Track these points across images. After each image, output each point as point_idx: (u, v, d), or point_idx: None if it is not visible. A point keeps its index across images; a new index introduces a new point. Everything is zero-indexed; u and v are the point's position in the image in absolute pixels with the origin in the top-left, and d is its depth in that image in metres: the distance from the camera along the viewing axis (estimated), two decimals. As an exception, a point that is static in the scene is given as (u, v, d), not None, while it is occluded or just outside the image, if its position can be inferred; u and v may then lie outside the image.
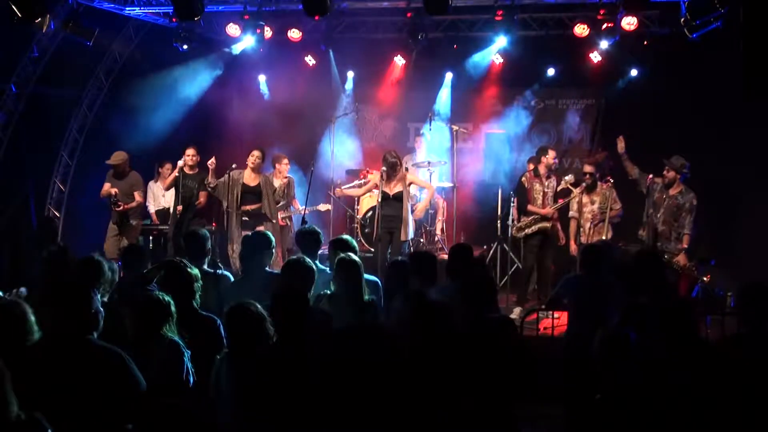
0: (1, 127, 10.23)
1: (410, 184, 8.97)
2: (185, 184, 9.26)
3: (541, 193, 9.12)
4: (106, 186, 9.60)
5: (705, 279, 8.33)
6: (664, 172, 8.37)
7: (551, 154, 9.20)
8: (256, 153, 9.21)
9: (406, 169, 9.55)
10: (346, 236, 6.10)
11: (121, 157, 9.68)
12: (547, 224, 9.12)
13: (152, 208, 10.53)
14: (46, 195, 11.18)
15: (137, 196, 9.69)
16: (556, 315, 7.45)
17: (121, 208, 9.46)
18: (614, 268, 5.95)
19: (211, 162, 8.95)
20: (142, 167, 10.92)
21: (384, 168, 8.76)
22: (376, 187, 8.91)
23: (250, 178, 9.20)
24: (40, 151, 10.56)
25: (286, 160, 9.79)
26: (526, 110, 11.70)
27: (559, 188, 9.25)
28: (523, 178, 9.28)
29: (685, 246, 8.29)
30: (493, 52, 10.62)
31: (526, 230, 9.13)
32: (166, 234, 9.64)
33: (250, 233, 7.86)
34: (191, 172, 9.37)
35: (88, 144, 11.54)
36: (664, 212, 8.35)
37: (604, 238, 8.65)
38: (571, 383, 5.21)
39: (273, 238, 6.02)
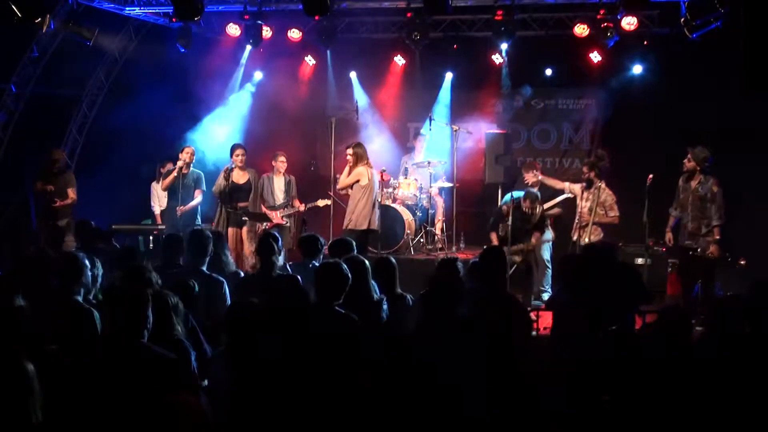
0: (1, 127, 10.24)
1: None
2: (184, 184, 9.26)
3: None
4: (39, 184, 9.61)
5: (742, 263, 8.15)
6: (685, 161, 8.18)
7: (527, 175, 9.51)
8: (238, 151, 9.39)
9: (367, 163, 9.53)
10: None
11: (63, 153, 9.89)
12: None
13: (158, 209, 10.53)
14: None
15: (71, 194, 9.67)
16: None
17: (57, 204, 9.50)
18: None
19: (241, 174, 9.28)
20: (145, 167, 10.94)
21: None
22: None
23: (238, 176, 9.36)
24: (40, 151, 10.55)
25: (282, 158, 9.81)
26: (526, 110, 11.69)
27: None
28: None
29: (717, 237, 7.98)
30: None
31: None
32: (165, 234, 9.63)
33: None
34: (186, 172, 9.36)
35: (88, 144, 11.54)
36: (691, 208, 8.18)
37: (586, 240, 8.51)
38: (575, 384, 5.19)
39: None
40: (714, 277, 8.14)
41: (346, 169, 9.32)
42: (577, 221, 8.95)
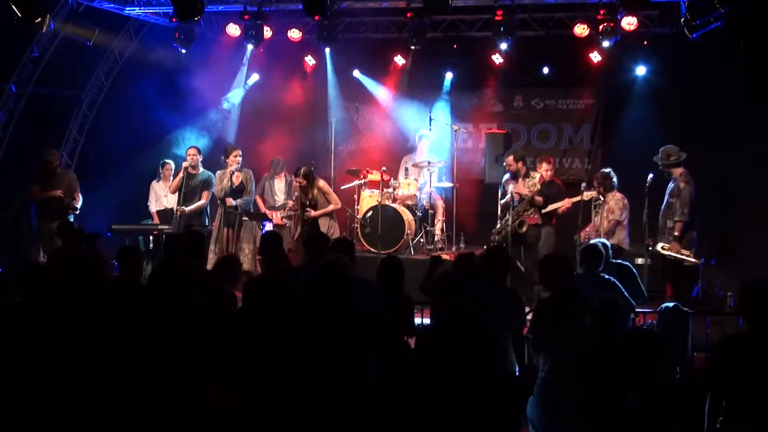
0: (1, 127, 10.24)
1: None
2: (188, 184, 9.25)
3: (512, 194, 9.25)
4: (37, 189, 9.35)
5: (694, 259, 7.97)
6: None
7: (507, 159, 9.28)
8: (235, 152, 9.30)
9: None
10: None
11: (56, 154, 9.73)
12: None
13: (153, 208, 10.51)
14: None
15: (76, 195, 9.51)
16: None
17: (71, 204, 9.35)
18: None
19: (237, 175, 9.16)
20: (144, 167, 10.94)
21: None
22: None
23: (234, 177, 9.30)
24: (40, 151, 10.57)
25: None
26: (526, 110, 11.69)
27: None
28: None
29: (677, 233, 7.99)
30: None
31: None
32: (167, 234, 9.61)
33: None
34: (194, 172, 9.36)
35: (88, 144, 11.54)
36: (663, 204, 8.24)
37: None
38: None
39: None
40: (678, 276, 8.03)
41: (322, 197, 9.28)
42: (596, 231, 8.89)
